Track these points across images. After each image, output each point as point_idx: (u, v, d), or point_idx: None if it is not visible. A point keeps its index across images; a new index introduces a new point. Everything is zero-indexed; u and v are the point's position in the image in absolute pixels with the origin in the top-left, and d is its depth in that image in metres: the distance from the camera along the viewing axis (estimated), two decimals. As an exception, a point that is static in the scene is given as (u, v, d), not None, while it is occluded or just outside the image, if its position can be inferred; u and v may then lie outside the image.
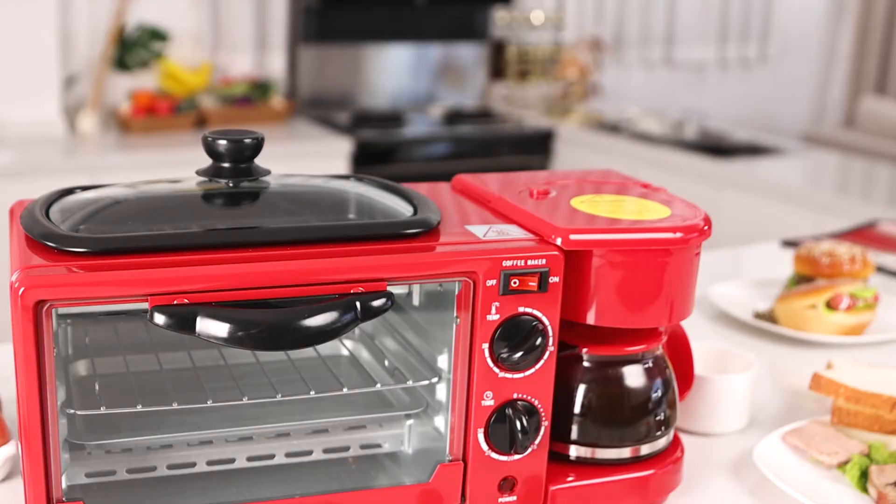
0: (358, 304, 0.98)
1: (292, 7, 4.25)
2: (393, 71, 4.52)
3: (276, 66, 4.28)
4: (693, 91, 5.16)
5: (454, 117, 4.33)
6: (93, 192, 1.11)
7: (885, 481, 1.21)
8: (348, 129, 4.06)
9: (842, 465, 1.26)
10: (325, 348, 1.26)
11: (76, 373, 1.17)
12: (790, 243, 2.15)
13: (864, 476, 1.24)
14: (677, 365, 1.26)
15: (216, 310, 0.94)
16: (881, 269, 1.99)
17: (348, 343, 1.30)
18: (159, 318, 0.93)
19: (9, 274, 0.94)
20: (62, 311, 1.07)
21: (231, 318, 0.94)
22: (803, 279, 1.75)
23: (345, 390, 1.10)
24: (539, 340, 1.05)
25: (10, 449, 1.19)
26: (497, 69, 4.77)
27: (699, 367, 1.39)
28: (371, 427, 1.17)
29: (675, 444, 1.21)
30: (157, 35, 4.03)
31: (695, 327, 1.60)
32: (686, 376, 1.27)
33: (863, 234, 2.18)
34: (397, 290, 1.15)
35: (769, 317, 1.72)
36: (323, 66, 4.37)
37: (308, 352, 1.24)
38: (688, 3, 5.16)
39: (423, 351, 1.14)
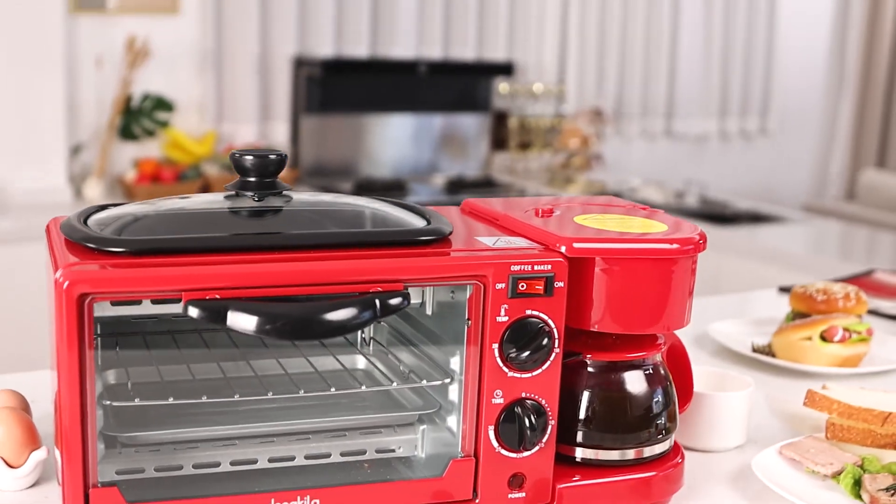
0: (377, 301, 1.08)
1: (295, 77, 4.40)
2: (395, 140, 4.66)
3: (279, 135, 4.42)
4: (694, 162, 5.30)
5: (456, 187, 4.46)
6: (126, 206, 1.21)
7: (877, 487, 1.29)
8: (351, 196, 4.17)
9: (836, 476, 1.34)
10: (344, 360, 1.35)
11: (107, 380, 1.26)
12: (787, 289, 2.24)
13: (857, 484, 1.32)
14: (677, 378, 1.34)
15: (245, 304, 1.04)
16: (875, 313, 2.08)
17: (364, 356, 1.39)
18: (193, 311, 1.03)
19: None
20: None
21: (259, 311, 1.04)
22: (799, 315, 1.85)
23: (363, 388, 1.19)
24: (545, 341, 1.14)
25: (42, 454, 1.27)
26: (499, 139, 4.91)
27: (699, 388, 1.48)
28: (386, 432, 1.26)
29: (676, 450, 1.30)
30: (162, 105, 4.17)
31: (695, 360, 1.69)
32: (686, 390, 1.36)
33: (858, 282, 2.27)
34: (412, 300, 1.25)
35: (767, 350, 1.81)
36: (325, 136, 4.51)
37: (328, 363, 1.33)
38: (688, 76, 5.32)
39: (436, 356, 1.23)
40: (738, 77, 5.44)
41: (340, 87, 4.48)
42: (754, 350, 1.82)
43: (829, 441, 1.42)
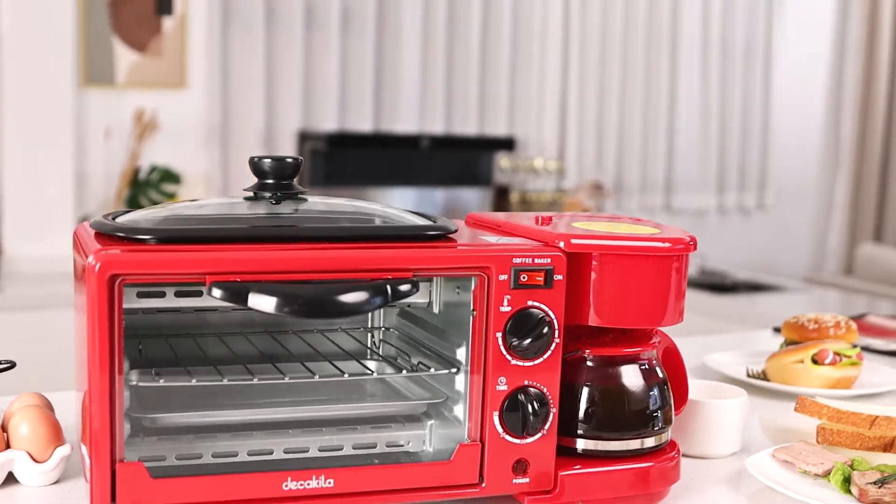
0: (388, 287, 1.16)
1: (300, 150, 4.52)
2: (398, 213, 4.76)
3: (284, 207, 4.52)
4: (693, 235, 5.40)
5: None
6: (153, 208, 1.29)
7: (866, 481, 1.36)
8: (355, 266, 4.26)
9: (826, 474, 1.41)
10: (355, 366, 1.43)
11: (130, 378, 1.34)
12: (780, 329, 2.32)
13: (847, 482, 1.38)
14: (673, 381, 1.42)
15: (266, 285, 1.12)
16: (868, 349, 2.16)
17: (376, 354, 1.47)
18: (216, 292, 1.11)
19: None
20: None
21: (278, 292, 1.12)
22: (792, 343, 1.92)
23: (374, 374, 1.27)
24: (546, 330, 1.22)
25: (66, 450, 1.34)
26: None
27: (695, 397, 1.55)
28: (395, 426, 1.33)
29: (673, 446, 1.37)
30: (169, 177, 4.28)
31: (690, 385, 1.76)
32: (681, 392, 1.43)
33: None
34: (419, 300, 1.33)
35: (761, 375, 1.88)
36: (330, 208, 4.61)
37: (343, 361, 1.41)
38: (686, 153, 5.45)
39: (443, 350, 1.31)
40: (736, 154, 5.57)
41: (344, 160, 4.60)
42: (749, 375, 1.89)
43: (820, 445, 1.49)
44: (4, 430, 1.36)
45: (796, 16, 5.71)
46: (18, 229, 3.96)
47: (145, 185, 4.25)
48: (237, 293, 1.12)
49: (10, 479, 1.35)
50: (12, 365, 1.49)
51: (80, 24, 4.09)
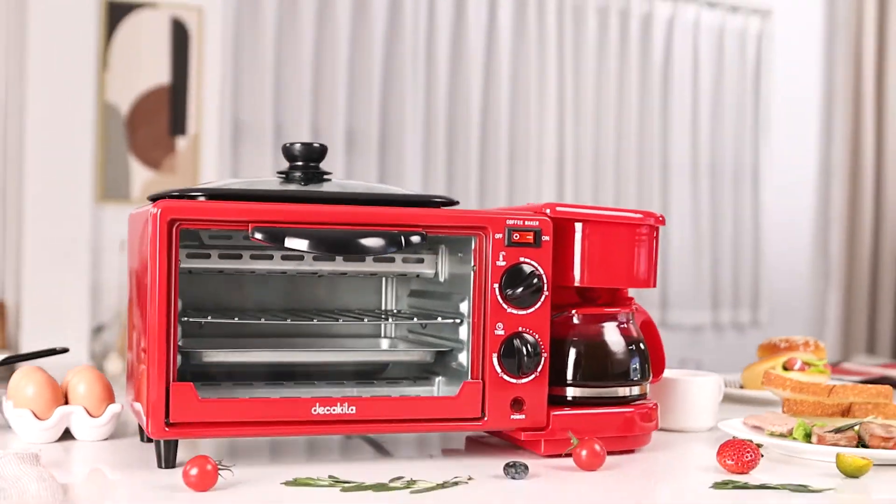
0: (402, 236, 1.40)
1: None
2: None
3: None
4: (689, 350, 5.62)
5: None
6: (201, 183, 1.54)
7: (824, 431, 1.57)
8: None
9: (790, 434, 1.61)
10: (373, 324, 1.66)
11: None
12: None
13: (808, 437, 1.59)
14: (651, 350, 1.63)
15: (299, 230, 1.36)
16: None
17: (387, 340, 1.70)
18: (258, 234, 1.34)
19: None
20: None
21: (310, 235, 1.35)
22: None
23: (390, 320, 1.49)
24: (536, 282, 1.45)
25: (117, 407, 1.56)
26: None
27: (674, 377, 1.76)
28: (406, 383, 1.54)
29: (652, 401, 1.58)
30: (181, 288, 4.52)
31: (670, 371, 1.97)
32: (658, 360, 1.65)
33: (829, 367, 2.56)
34: (428, 270, 1.57)
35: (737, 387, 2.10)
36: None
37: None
38: (679, 270, 5.71)
39: (448, 308, 1.53)
40: (728, 271, 5.83)
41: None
42: (726, 386, 2.11)
43: (786, 414, 1.70)
44: (66, 395, 1.58)
45: (782, 138, 6.05)
46: (35, 337, 4.18)
47: (158, 296, 4.48)
48: (275, 236, 1.35)
49: (66, 436, 1.56)
50: (65, 350, 1.71)
51: (98, 143, 4.40)
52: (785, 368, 2.03)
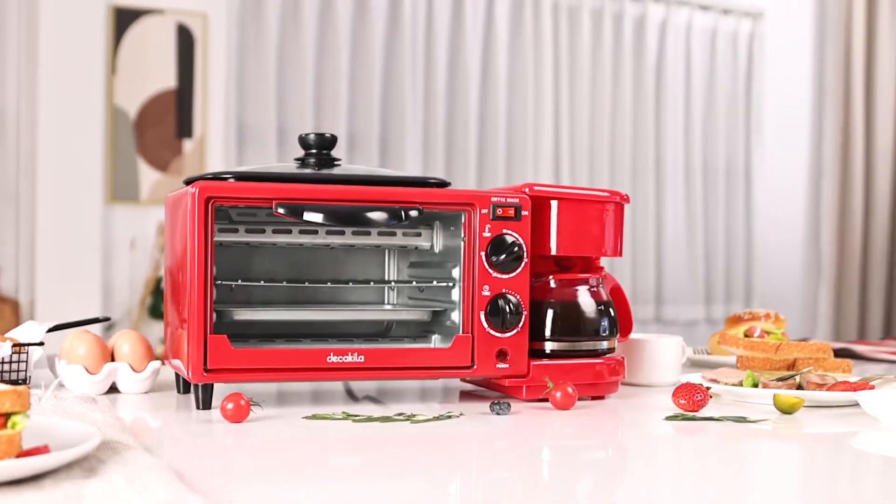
0: (402, 211, 1.69)
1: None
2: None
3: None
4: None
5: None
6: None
7: (770, 379, 1.86)
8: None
9: (740, 384, 1.90)
10: (378, 289, 1.95)
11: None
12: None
13: (755, 385, 1.88)
14: (619, 312, 1.92)
15: (315, 205, 1.65)
16: (850, 354, 2.67)
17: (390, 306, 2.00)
18: (281, 209, 1.64)
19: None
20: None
21: (324, 209, 1.65)
22: (732, 331, 2.43)
23: (393, 284, 1.79)
24: (516, 250, 1.74)
25: (157, 364, 1.85)
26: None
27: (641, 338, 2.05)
28: (407, 341, 1.84)
29: (619, 356, 1.87)
30: (188, 285, 4.81)
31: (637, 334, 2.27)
32: (626, 321, 1.94)
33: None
34: (424, 243, 1.86)
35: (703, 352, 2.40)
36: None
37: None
38: (674, 268, 6.01)
39: (443, 274, 1.82)
40: (721, 268, 6.13)
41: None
42: (694, 353, 2.40)
43: (739, 369, 1.99)
44: (112, 355, 1.87)
45: (774, 137, 6.35)
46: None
47: (166, 293, 4.77)
48: (295, 210, 1.64)
49: (112, 390, 1.85)
50: (108, 319, 2.00)
51: (107, 146, 4.70)
52: (746, 336, 2.32)
